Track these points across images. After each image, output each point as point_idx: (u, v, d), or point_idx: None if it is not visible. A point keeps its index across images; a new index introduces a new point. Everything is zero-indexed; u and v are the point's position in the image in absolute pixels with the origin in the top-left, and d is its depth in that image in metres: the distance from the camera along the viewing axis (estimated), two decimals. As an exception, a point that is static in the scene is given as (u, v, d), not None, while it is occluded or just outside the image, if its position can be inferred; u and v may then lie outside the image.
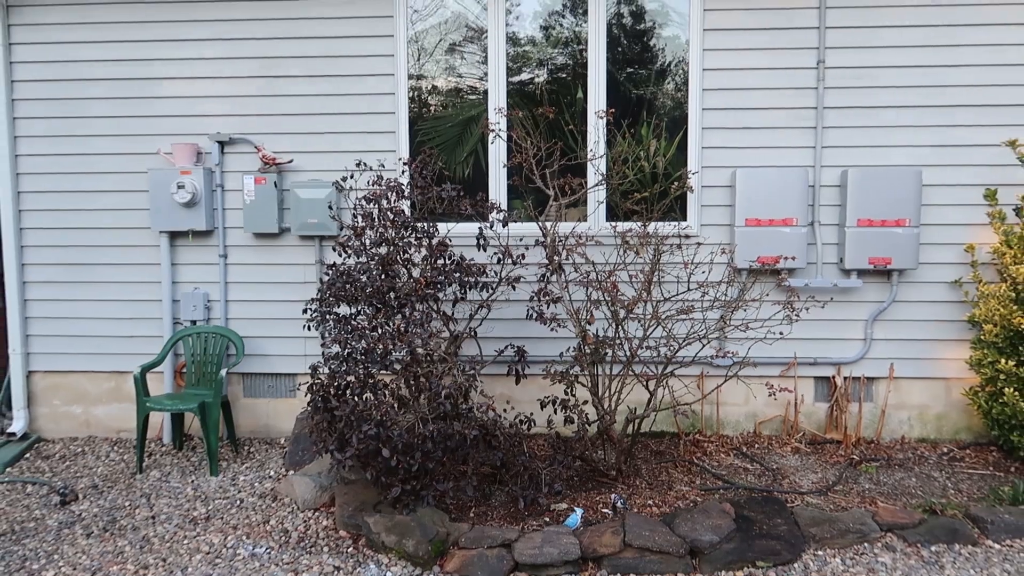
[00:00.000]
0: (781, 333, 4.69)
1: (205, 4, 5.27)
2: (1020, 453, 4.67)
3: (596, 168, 5.05)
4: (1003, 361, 4.54)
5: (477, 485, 3.94)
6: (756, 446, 5.13)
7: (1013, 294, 4.58)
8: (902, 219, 5.03)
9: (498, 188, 5.27)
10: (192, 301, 5.31)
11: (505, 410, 4.90)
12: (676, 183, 5.06)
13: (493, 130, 4.80)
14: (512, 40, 5.32)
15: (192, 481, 4.76)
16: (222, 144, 5.27)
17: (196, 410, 4.73)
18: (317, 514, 4.22)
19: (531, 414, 4.40)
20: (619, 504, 4.01)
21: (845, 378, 5.24)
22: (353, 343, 3.98)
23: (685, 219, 5.24)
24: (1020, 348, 4.55)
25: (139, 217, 5.39)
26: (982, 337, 4.74)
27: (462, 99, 5.39)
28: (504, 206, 5.23)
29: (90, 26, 5.32)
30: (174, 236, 5.36)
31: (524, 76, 5.36)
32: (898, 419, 5.28)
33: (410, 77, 5.32)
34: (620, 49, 5.32)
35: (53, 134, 5.38)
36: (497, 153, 5.24)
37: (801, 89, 5.12)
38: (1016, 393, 4.45)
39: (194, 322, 5.35)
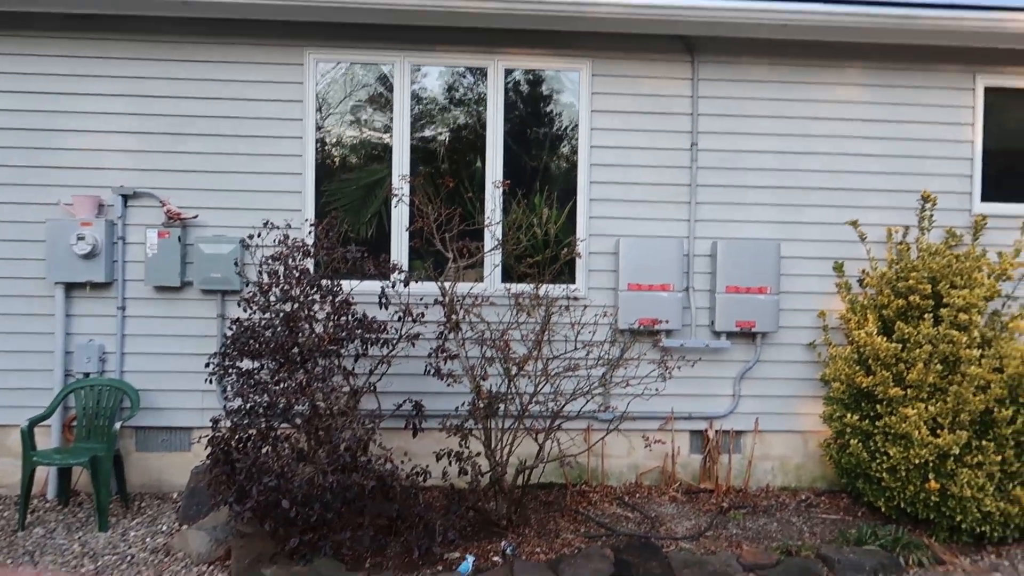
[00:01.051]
0: (657, 390, 5.14)
1: (114, 60, 5.38)
2: (865, 499, 5.24)
3: (492, 233, 5.42)
4: (849, 416, 5.12)
5: (374, 536, 4.11)
6: (637, 495, 5.51)
7: (856, 356, 5.20)
8: (764, 287, 5.62)
9: (400, 249, 5.55)
10: (86, 353, 5.27)
11: (402, 462, 5.09)
12: (566, 249, 5.48)
13: (396, 195, 5.10)
14: (418, 115, 5.67)
15: (79, 537, 4.68)
16: (125, 197, 5.33)
17: (87, 464, 4.68)
18: (212, 568, 4.26)
19: (427, 466, 4.63)
20: (509, 551, 4.26)
21: (717, 431, 5.73)
22: (255, 397, 4.12)
23: (574, 282, 5.67)
24: (863, 404, 5.15)
25: (35, 267, 5.33)
26: (831, 394, 5.34)
27: (368, 162, 5.67)
28: (405, 267, 5.50)
29: (-9, 75, 5.32)
30: (70, 287, 5.33)
31: (429, 148, 5.70)
32: (763, 469, 5.80)
33: (318, 141, 5.57)
34: (517, 127, 5.76)
35: (-56, 181, 5.30)
36: (400, 217, 5.53)
37: (677, 168, 5.70)
38: (860, 445, 5.02)
39: (87, 374, 5.29)
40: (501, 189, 5.41)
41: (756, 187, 5.73)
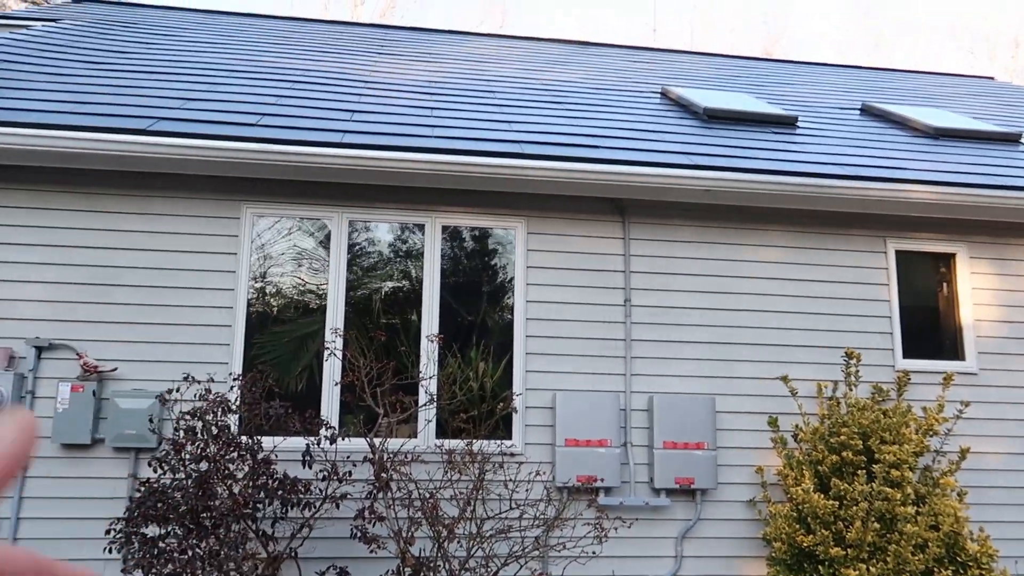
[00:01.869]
0: (594, 552, 4.91)
1: (36, 211, 5.31)
2: (814, 669, 4.97)
3: (426, 388, 5.31)
4: (792, 578, 4.95)
5: None
6: (577, 671, 5.12)
7: (796, 513, 5.11)
8: (701, 442, 5.57)
9: (330, 404, 5.37)
10: (-24, 518, 4.82)
11: (321, 639, 4.66)
12: (502, 404, 5.39)
13: (328, 348, 4.99)
14: (353, 269, 5.69)
15: None
16: (40, 349, 5.09)
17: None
18: None
19: (347, 644, 4.24)
20: None
21: (659, 596, 5.46)
22: (159, 568, 3.77)
23: (510, 438, 5.53)
24: (806, 565, 5.00)
25: (-71, 422, 4.95)
26: (774, 554, 5.18)
27: (302, 315, 5.60)
28: (336, 422, 5.31)
29: (-88, 222, 5.17)
30: (-32, 444, 4.94)
31: (363, 302, 5.68)
32: (709, 637, 5.50)
33: (251, 292, 5.50)
34: (453, 281, 5.82)
35: None
36: (331, 371, 5.40)
37: (612, 323, 5.77)
38: (805, 610, 4.83)
39: (-25, 542, 4.81)
40: (436, 343, 5.37)
41: (689, 342, 5.82)
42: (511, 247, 5.87)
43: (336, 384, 5.33)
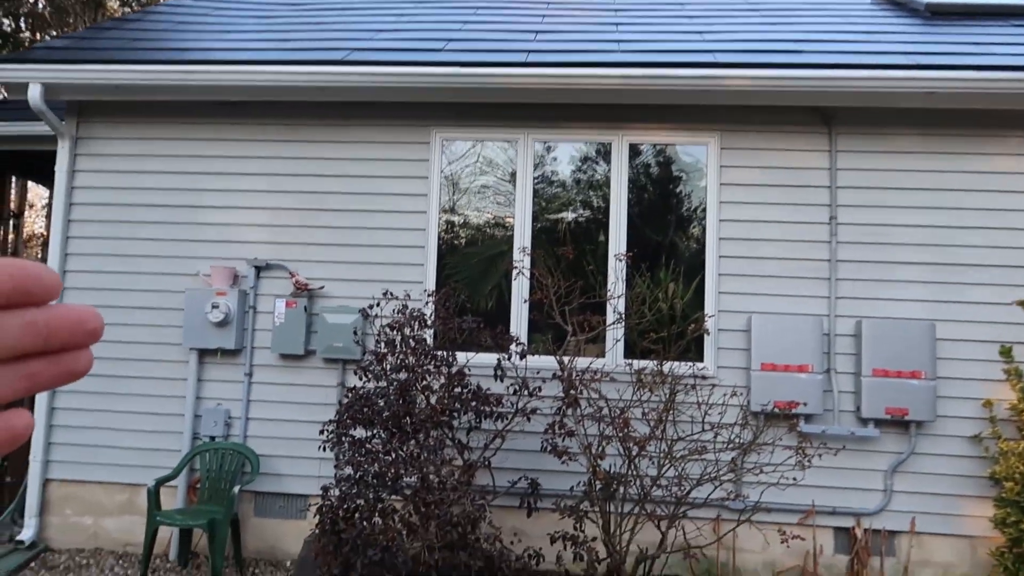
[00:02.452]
0: (795, 479, 4.64)
1: (255, 143, 5.72)
2: (1052, 623, 4.45)
3: (614, 307, 5.22)
4: (1027, 521, 4.42)
5: (481, 621, 3.84)
6: (773, 600, 4.94)
7: (1033, 452, 4.53)
8: (918, 371, 5.06)
9: (519, 322, 5.44)
10: (213, 417, 5.42)
11: (513, 543, 4.81)
12: (693, 325, 5.19)
13: (516, 267, 5.03)
14: (540, 190, 5.66)
15: (192, 602, 4.67)
16: (258, 269, 5.56)
17: (205, 526, 4.72)
18: (315, 644, 4.10)
19: (540, 549, 4.33)
20: (626, 651, 3.86)
21: (866, 530, 5.10)
22: (366, 466, 4.03)
23: (701, 360, 5.33)
24: (1044, 508, 4.44)
25: (172, 334, 5.61)
26: (1004, 495, 4.64)
27: (490, 236, 5.68)
28: (524, 339, 5.37)
29: (147, 157, 5.78)
30: (203, 353, 5.55)
31: (551, 222, 5.66)
32: (922, 579, 5.08)
33: (442, 211, 5.64)
34: (642, 200, 5.62)
35: (101, 252, 5.72)
36: (519, 289, 5.45)
37: (815, 243, 5.33)
38: (1043, 556, 4.30)
39: (213, 438, 5.43)
40: (624, 261, 5.23)
41: (905, 263, 5.26)
42: (702, 165, 5.56)
43: (525, 302, 5.38)
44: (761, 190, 5.42)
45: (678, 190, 5.70)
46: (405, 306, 4.58)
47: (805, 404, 5.04)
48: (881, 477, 5.13)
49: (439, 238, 5.61)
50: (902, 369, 5.08)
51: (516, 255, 5.45)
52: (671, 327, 5.28)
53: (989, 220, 5.23)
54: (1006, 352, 5.06)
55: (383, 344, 4.47)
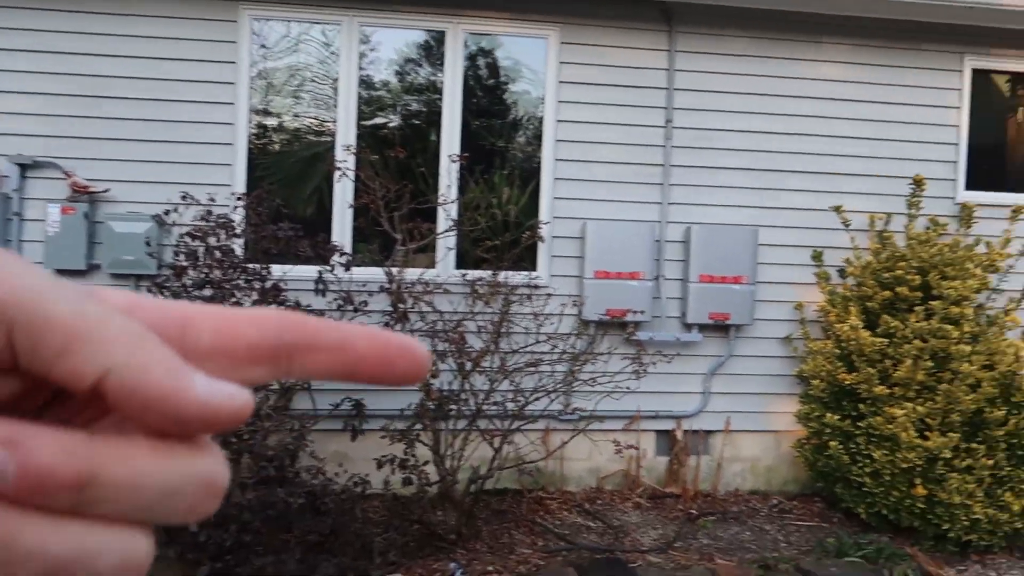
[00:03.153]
0: (628, 387, 4.69)
1: (17, 10, 4.68)
2: (842, 504, 4.88)
3: (447, 213, 4.89)
4: (829, 416, 4.74)
5: (301, 557, 3.58)
6: (599, 502, 5.07)
7: (838, 351, 4.83)
8: (740, 276, 5.21)
9: (343, 230, 4.99)
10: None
11: (337, 473, 4.56)
12: (528, 232, 4.99)
13: (339, 168, 4.53)
14: (366, 83, 5.10)
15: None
16: (23, 167, 4.65)
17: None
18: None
19: (367, 474, 4.09)
20: (457, 572, 3.77)
21: (685, 432, 5.32)
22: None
23: (536, 269, 5.18)
24: (844, 403, 4.78)
25: (-85, 243, 4.63)
26: (810, 392, 4.96)
27: (309, 135, 5.09)
28: (348, 249, 4.94)
29: None
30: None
31: (378, 120, 5.15)
32: (733, 471, 5.41)
33: (255, 112, 4.96)
34: (476, 99, 5.24)
35: None
36: (343, 193, 4.96)
37: (650, 147, 5.24)
38: (840, 447, 4.65)
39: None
40: (458, 163, 4.87)
41: (733, 169, 5.31)
42: (541, 61, 5.23)
43: (349, 207, 4.91)
44: (600, 90, 5.20)
45: (516, 89, 5.36)
46: (209, 211, 3.99)
47: (635, 314, 5.05)
48: (701, 380, 5.33)
49: (251, 135, 4.95)
50: (726, 275, 5.20)
51: (339, 154, 4.93)
52: (505, 234, 5.05)
53: (811, 127, 5.36)
54: (817, 256, 5.31)
55: (183, 256, 3.90)
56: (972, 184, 5.52)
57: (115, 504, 0.24)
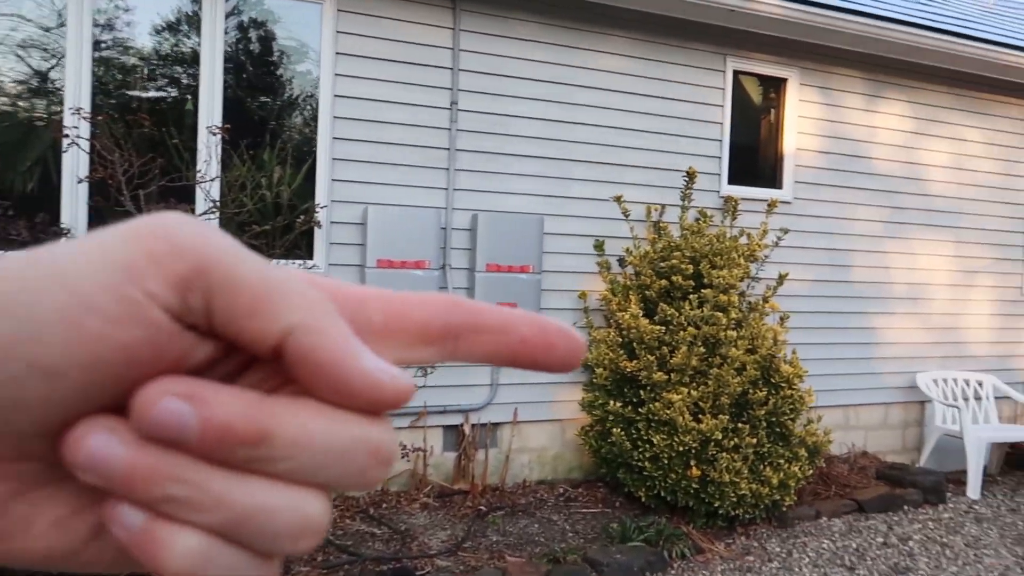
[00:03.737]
0: (415, 384, 4.40)
1: None
2: (625, 489, 4.98)
3: (207, 193, 4.28)
4: (612, 403, 4.81)
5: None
6: (384, 505, 4.76)
7: (620, 339, 4.90)
8: (527, 265, 5.13)
9: (74, 209, 4.19)
10: None
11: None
12: (303, 217, 4.53)
13: (68, 135, 3.77)
14: (107, 43, 4.32)
15: None
16: None
17: None
18: None
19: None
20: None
21: (473, 425, 5.16)
22: None
23: (312, 257, 4.73)
24: (626, 390, 4.87)
25: None
26: (594, 380, 5.00)
27: (32, 94, 4.22)
28: (83, 231, 4.16)
29: None
30: None
31: (121, 79, 4.38)
32: (521, 463, 5.35)
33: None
34: (243, 68, 4.65)
35: None
36: (74, 166, 4.16)
37: (436, 129, 4.98)
38: (622, 433, 4.73)
39: None
40: (219, 136, 4.28)
41: (522, 156, 5.21)
42: (316, 30, 4.76)
43: (80, 181, 4.12)
44: (383, 66, 4.84)
45: (290, 59, 4.84)
46: None
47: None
48: (489, 372, 5.19)
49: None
50: (513, 264, 5.10)
51: (68, 119, 4.12)
52: (277, 218, 4.54)
53: (597, 118, 5.40)
54: (599, 246, 5.38)
55: None
56: (733, 179, 5.90)
57: (289, 462, 0.25)
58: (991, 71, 6.38)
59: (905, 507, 5.36)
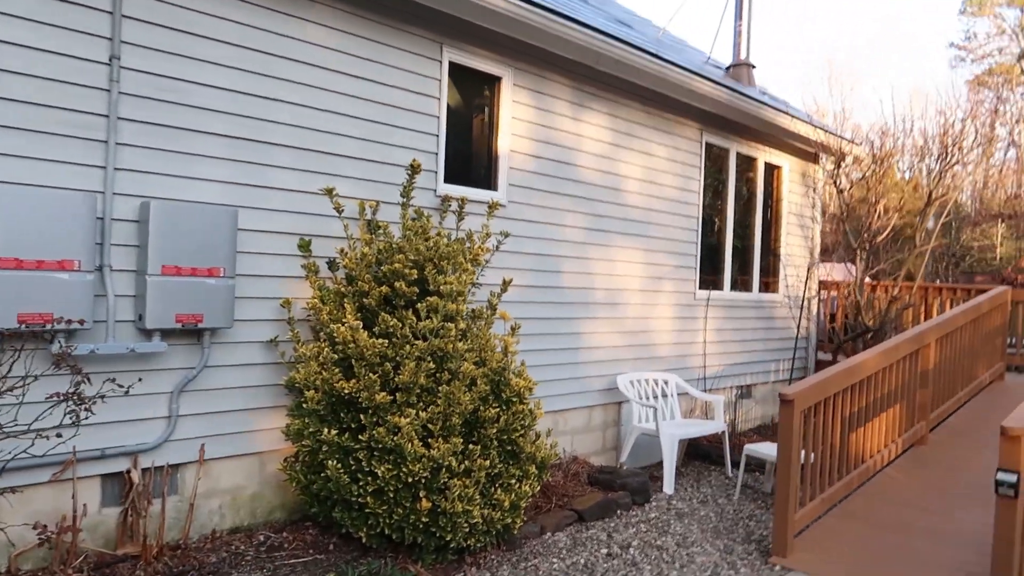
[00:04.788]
0: (59, 435, 3.24)
1: None
2: (342, 529, 4.26)
3: None
4: (326, 431, 4.07)
5: None
6: (13, 595, 3.47)
7: (335, 356, 4.18)
8: (216, 268, 4.17)
9: None
10: None
11: None
12: None
13: None
14: None
15: None
16: None
17: None
18: None
19: None
20: None
21: (145, 470, 4.05)
22: None
23: None
24: (343, 415, 4.16)
25: None
26: (304, 405, 4.20)
27: None
28: None
29: None
30: None
31: None
32: (209, 509, 4.34)
33: None
34: None
35: None
36: None
37: (88, 89, 3.80)
38: (339, 465, 4.02)
39: None
40: None
41: (209, 134, 4.22)
42: None
43: None
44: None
45: None
46: None
47: (70, 321, 3.58)
48: (166, 401, 4.12)
49: None
50: (198, 266, 4.10)
51: None
52: None
53: (304, 97, 4.60)
54: (305, 246, 4.60)
55: None
56: (449, 178, 5.50)
57: None
58: (673, 91, 6.83)
59: (619, 511, 5.40)
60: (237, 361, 4.39)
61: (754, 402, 8.66)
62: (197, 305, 4.10)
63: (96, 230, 3.80)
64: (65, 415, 3.14)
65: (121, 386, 3.77)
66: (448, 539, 4.05)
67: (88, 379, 3.42)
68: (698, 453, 7.21)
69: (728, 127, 7.95)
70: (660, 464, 6.18)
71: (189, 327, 4.08)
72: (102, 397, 3.54)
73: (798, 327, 9.16)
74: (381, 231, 4.62)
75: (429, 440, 4.03)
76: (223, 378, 4.33)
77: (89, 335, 3.79)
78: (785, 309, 9.07)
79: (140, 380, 3.98)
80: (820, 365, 9.40)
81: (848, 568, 4.43)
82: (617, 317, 6.76)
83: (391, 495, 3.97)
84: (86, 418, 3.39)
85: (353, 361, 4.09)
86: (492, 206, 5.13)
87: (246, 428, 4.44)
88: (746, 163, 8.46)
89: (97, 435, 3.86)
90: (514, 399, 4.31)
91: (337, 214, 4.57)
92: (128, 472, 3.99)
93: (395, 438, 3.90)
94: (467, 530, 4.08)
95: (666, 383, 7.06)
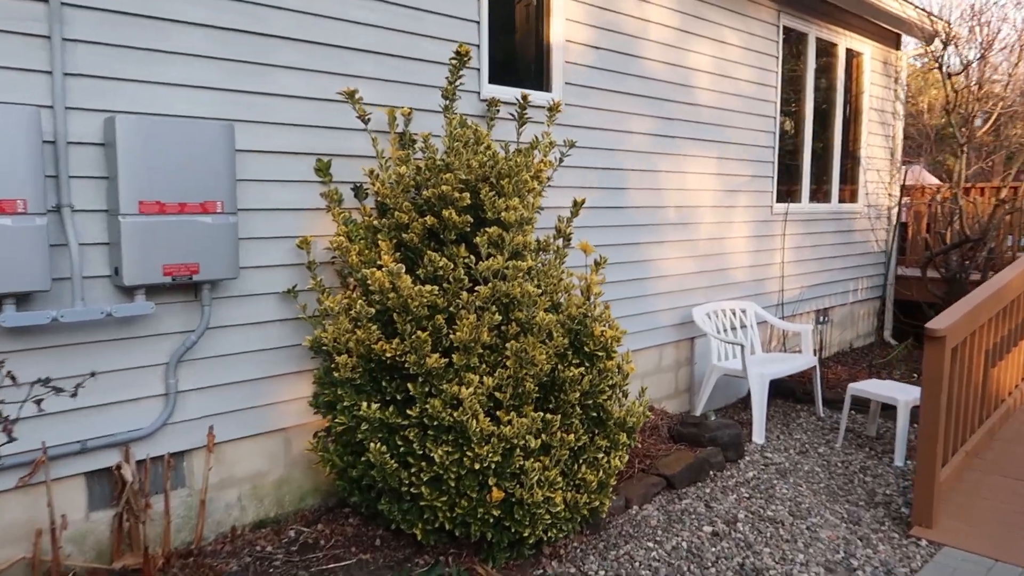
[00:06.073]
0: (8, 430, 2.37)
1: None
2: (394, 525, 3.43)
3: None
4: (365, 405, 3.17)
5: None
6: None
7: (371, 309, 3.24)
8: (211, 202, 3.21)
9: None
10: None
11: None
12: None
13: None
14: None
15: None
16: None
17: None
18: None
19: None
20: None
21: (139, 463, 3.21)
22: None
23: None
24: (385, 384, 3.26)
25: None
26: (335, 373, 3.30)
27: None
28: None
29: None
30: None
31: None
32: (225, 503, 3.52)
33: None
34: None
35: None
36: None
37: (14, -40, 2.76)
38: (383, 447, 3.14)
39: None
40: None
41: (190, 24, 3.18)
42: None
43: None
44: None
45: None
46: None
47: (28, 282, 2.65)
48: (161, 375, 3.24)
49: None
50: (187, 200, 3.14)
51: None
52: None
53: (300, -26, 3.52)
54: (324, 168, 3.62)
55: None
56: (494, 77, 4.44)
57: None
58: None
59: (712, 472, 4.55)
60: (247, 319, 3.47)
61: (831, 327, 7.72)
62: (190, 252, 3.16)
63: (45, 158, 2.83)
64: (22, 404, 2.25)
65: (83, 382, 2.87)
66: (526, 534, 3.21)
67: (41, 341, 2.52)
68: (779, 391, 6.33)
69: (808, 6, 6.72)
70: (737, 406, 5.31)
71: (182, 280, 3.15)
72: (74, 391, 2.64)
73: (890, 240, 8.10)
74: (421, 143, 3.61)
75: (497, 412, 3.13)
76: (231, 342, 3.43)
77: (43, 299, 2.87)
78: (865, 220, 8.00)
79: (115, 348, 3.08)
80: (900, 281, 8.40)
81: (1014, 540, 3.57)
82: (689, 239, 5.77)
83: (452, 484, 3.10)
84: (52, 397, 2.49)
85: (394, 315, 3.16)
86: (553, 108, 4.08)
87: (264, 401, 3.57)
88: (825, 50, 7.25)
89: (78, 423, 3.00)
90: (599, 352, 3.37)
91: (363, 125, 3.56)
92: (118, 467, 3.14)
93: (455, 413, 3.00)
94: (549, 522, 3.24)
95: (744, 312, 6.11)
